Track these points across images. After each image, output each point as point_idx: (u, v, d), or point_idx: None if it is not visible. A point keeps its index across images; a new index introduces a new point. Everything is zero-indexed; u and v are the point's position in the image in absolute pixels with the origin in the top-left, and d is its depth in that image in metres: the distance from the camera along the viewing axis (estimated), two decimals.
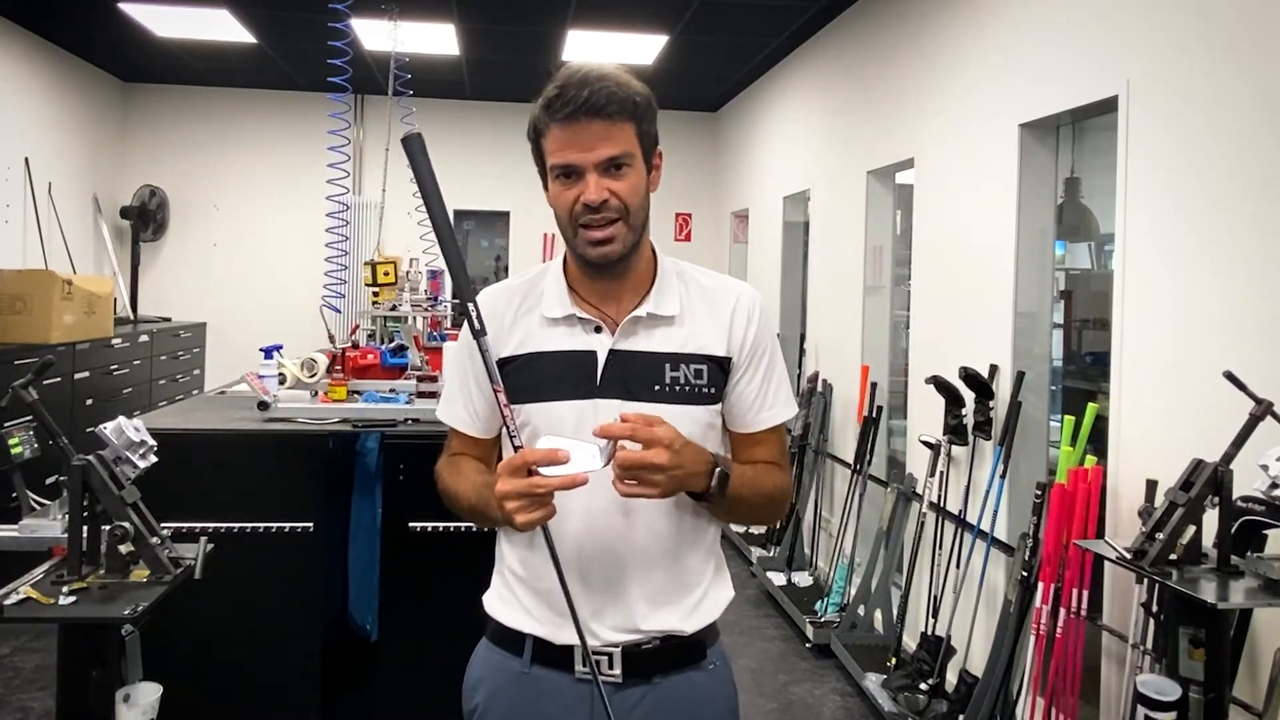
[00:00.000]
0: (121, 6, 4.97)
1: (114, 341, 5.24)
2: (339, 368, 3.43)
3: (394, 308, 3.73)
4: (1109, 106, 2.68)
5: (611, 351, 1.26)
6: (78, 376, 4.83)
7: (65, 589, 1.86)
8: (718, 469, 1.19)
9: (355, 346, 3.56)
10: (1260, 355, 2.09)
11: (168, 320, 6.56)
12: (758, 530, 5.21)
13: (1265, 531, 1.97)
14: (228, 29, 5.31)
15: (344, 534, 3.01)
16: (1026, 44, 3.07)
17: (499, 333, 1.31)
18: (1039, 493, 2.76)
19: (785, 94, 5.77)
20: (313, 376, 3.42)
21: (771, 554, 4.89)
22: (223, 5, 4.88)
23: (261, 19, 5.16)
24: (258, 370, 3.20)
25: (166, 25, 5.32)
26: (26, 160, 5.55)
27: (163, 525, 2.04)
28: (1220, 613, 1.86)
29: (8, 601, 1.81)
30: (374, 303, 3.80)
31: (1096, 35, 2.71)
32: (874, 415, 4.12)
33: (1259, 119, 2.13)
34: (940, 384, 3.32)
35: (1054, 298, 3.25)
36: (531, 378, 1.27)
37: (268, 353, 3.24)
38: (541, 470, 1.07)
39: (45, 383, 4.25)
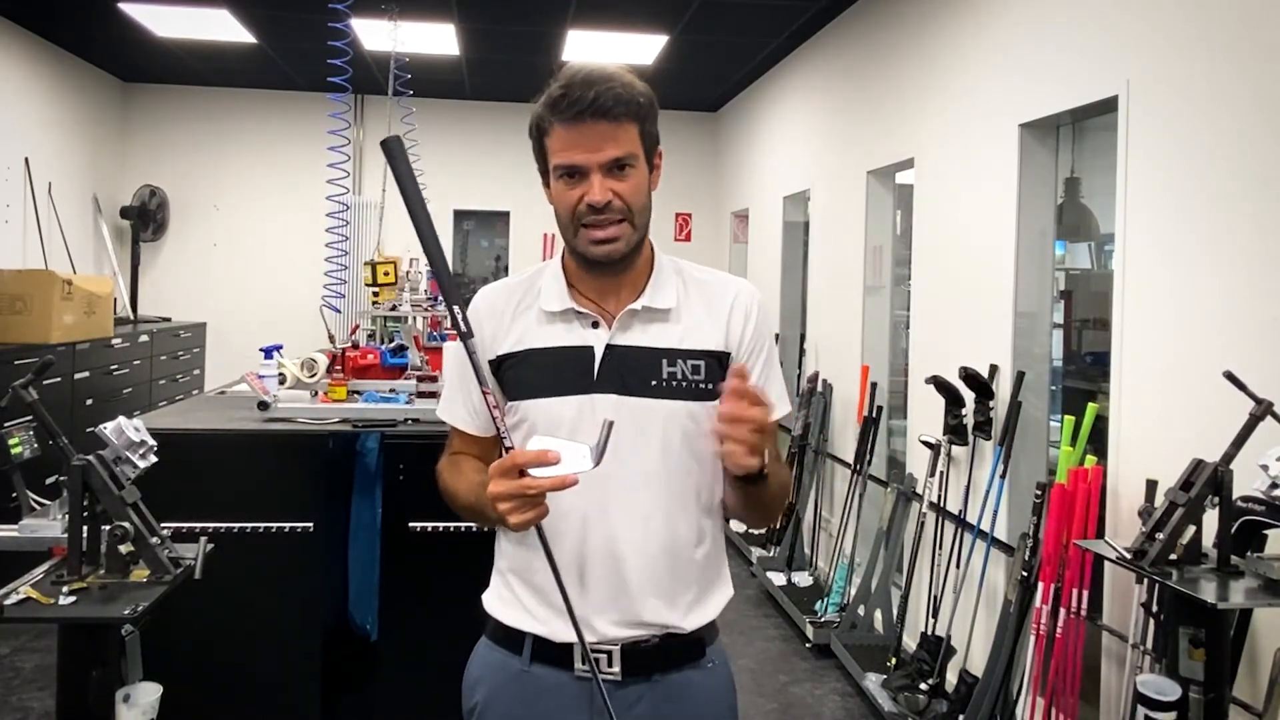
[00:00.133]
0: (121, 6, 4.97)
1: (114, 341, 5.24)
2: (339, 368, 3.43)
3: (394, 308, 3.73)
4: (1109, 106, 2.68)
5: (609, 347, 1.27)
6: (78, 376, 4.83)
7: (65, 589, 1.86)
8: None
9: (355, 346, 3.56)
10: (1260, 355, 2.09)
11: (168, 320, 6.56)
12: (758, 530, 5.21)
13: (1265, 531, 1.97)
14: (228, 29, 5.31)
15: (344, 534, 3.01)
16: (1026, 44, 3.07)
17: (498, 330, 1.31)
18: (1039, 493, 2.76)
19: (785, 94, 5.77)
20: (313, 376, 3.42)
21: (771, 554, 4.89)
22: (223, 5, 4.88)
23: (261, 19, 5.16)
24: (258, 370, 3.20)
25: (166, 25, 5.32)
26: (26, 160, 5.55)
27: (163, 525, 2.04)
28: (1220, 613, 1.86)
29: (8, 601, 1.81)
30: (374, 303, 3.80)
31: (1096, 35, 2.71)
32: (874, 415, 4.12)
33: (1259, 119, 2.13)
34: (940, 384, 3.32)
35: (1054, 298, 3.25)
36: (529, 374, 1.28)
37: (268, 353, 3.24)
38: (532, 471, 1.07)
39: (45, 383, 4.25)
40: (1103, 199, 4.04)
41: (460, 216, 7.42)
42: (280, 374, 3.28)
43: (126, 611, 1.79)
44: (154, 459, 2.09)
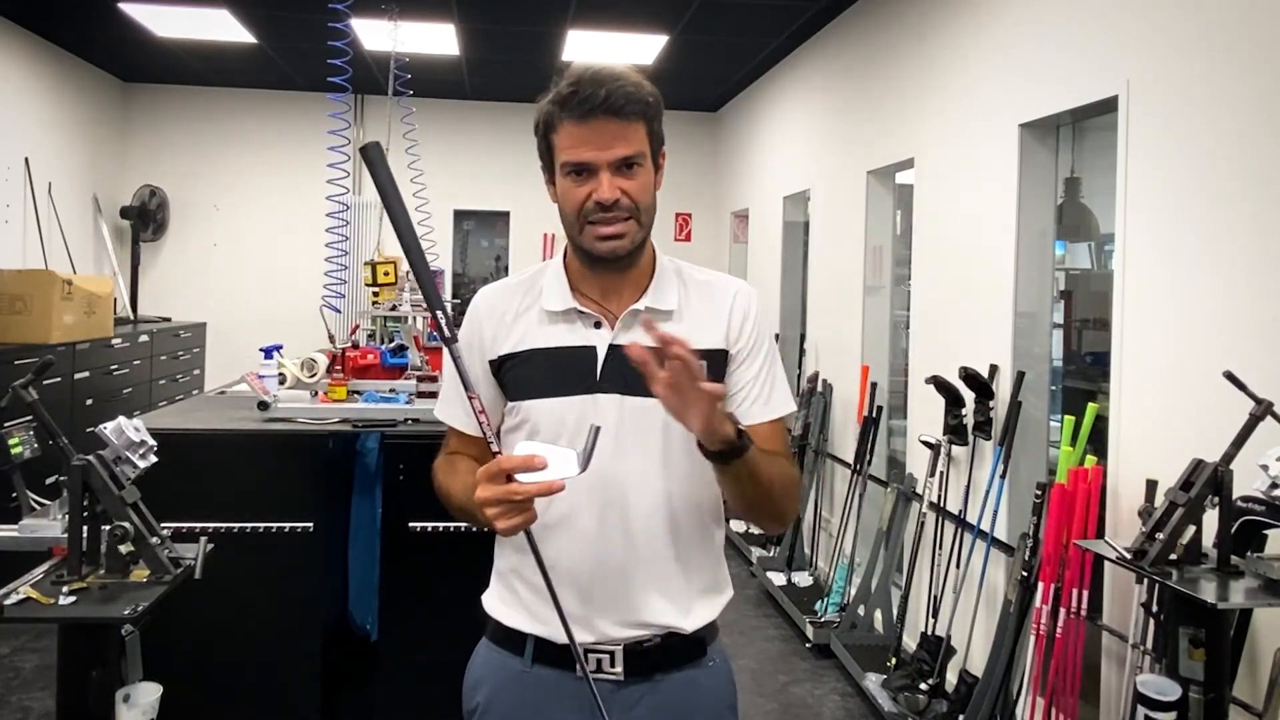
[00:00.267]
0: (121, 6, 4.97)
1: (114, 341, 5.24)
2: (339, 368, 3.43)
3: (394, 308, 3.73)
4: (1109, 106, 2.68)
5: (611, 347, 1.27)
6: (78, 376, 4.83)
7: (65, 589, 1.86)
8: (738, 421, 1.15)
9: (355, 346, 3.56)
10: (1260, 355, 2.09)
11: (168, 320, 6.56)
12: (758, 530, 5.21)
13: (1265, 531, 1.97)
14: (228, 29, 5.31)
15: (344, 534, 3.01)
16: (1026, 44, 3.07)
17: (499, 330, 1.31)
18: (1039, 493, 2.76)
19: (785, 94, 5.77)
20: (313, 376, 3.42)
21: (771, 554, 4.89)
22: (223, 5, 4.88)
23: (261, 19, 5.16)
24: (258, 370, 3.20)
25: (166, 25, 5.32)
26: (26, 160, 5.55)
27: (163, 525, 2.04)
28: (1220, 613, 1.86)
29: (8, 601, 1.81)
30: (374, 303, 3.80)
31: (1096, 35, 2.71)
32: (874, 415, 4.12)
33: (1259, 119, 2.13)
34: (940, 384, 3.32)
35: (1054, 298, 3.25)
36: (531, 374, 1.28)
37: (268, 353, 3.24)
38: (519, 476, 1.07)
39: (45, 383, 4.25)
40: (1103, 199, 4.04)
41: (460, 216, 7.41)
42: (280, 374, 3.28)
43: (126, 611, 1.79)
44: (154, 459, 2.08)
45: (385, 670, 2.86)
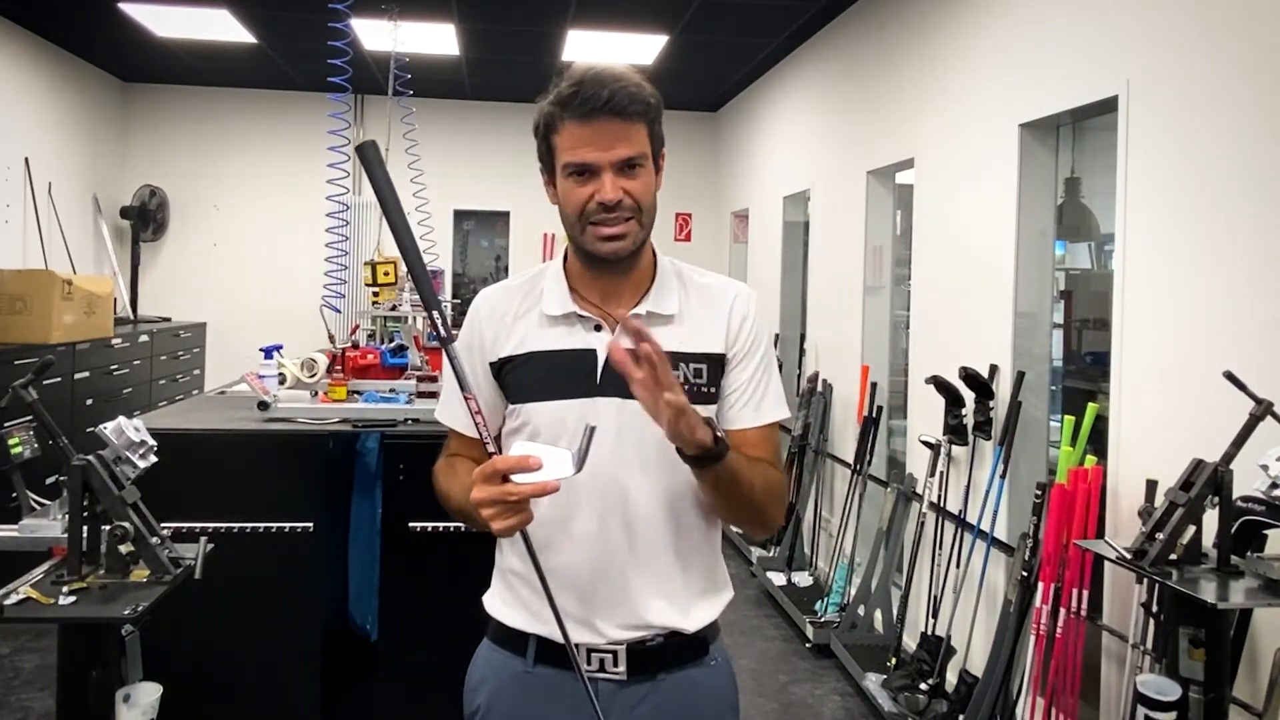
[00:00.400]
0: (121, 6, 4.97)
1: (114, 341, 5.24)
2: (339, 368, 3.43)
3: (394, 308, 3.73)
4: (1109, 106, 2.68)
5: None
6: (78, 376, 4.83)
7: (65, 589, 1.86)
8: (716, 428, 1.15)
9: (355, 346, 3.56)
10: (1260, 355, 2.09)
11: (168, 320, 6.56)
12: (755, 536, 5.20)
13: (1265, 531, 1.97)
14: (228, 29, 5.31)
15: (344, 534, 3.01)
16: (1026, 44, 3.07)
17: (500, 332, 1.31)
18: (1039, 493, 2.76)
19: (785, 94, 5.77)
20: (313, 376, 3.42)
21: (771, 554, 4.89)
22: (223, 5, 4.88)
23: (261, 19, 5.16)
24: (258, 370, 3.20)
25: (166, 25, 5.31)
26: (26, 160, 5.55)
27: (163, 525, 2.04)
28: (1220, 613, 1.86)
29: (8, 601, 1.81)
30: (374, 303, 3.80)
31: (1096, 35, 2.71)
32: (874, 415, 4.12)
33: (1259, 119, 2.13)
34: (940, 384, 3.32)
35: (1054, 298, 3.25)
36: (531, 377, 1.28)
37: (268, 353, 3.24)
38: (514, 477, 1.07)
39: (45, 383, 4.25)
40: (1103, 199, 4.04)
41: (460, 216, 7.41)
42: (280, 374, 3.28)
43: (126, 611, 1.79)
44: (154, 459, 2.08)
45: (385, 670, 2.86)
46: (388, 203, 1.16)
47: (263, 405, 2.99)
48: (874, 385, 4.18)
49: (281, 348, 3.30)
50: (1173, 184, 2.40)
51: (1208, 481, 1.90)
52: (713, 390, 1.28)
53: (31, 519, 2.05)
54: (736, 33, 5.21)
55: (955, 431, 3.32)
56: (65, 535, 1.95)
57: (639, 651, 1.26)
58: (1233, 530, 1.92)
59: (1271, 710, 1.94)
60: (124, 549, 1.92)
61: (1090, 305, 4.22)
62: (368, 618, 2.96)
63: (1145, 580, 2.26)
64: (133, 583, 1.91)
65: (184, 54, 6.00)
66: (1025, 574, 2.73)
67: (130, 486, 1.98)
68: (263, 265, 6.98)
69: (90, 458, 1.94)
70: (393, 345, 3.59)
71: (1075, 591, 2.54)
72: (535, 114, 1.25)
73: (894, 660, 3.47)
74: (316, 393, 3.26)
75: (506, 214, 7.34)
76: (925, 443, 3.49)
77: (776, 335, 5.59)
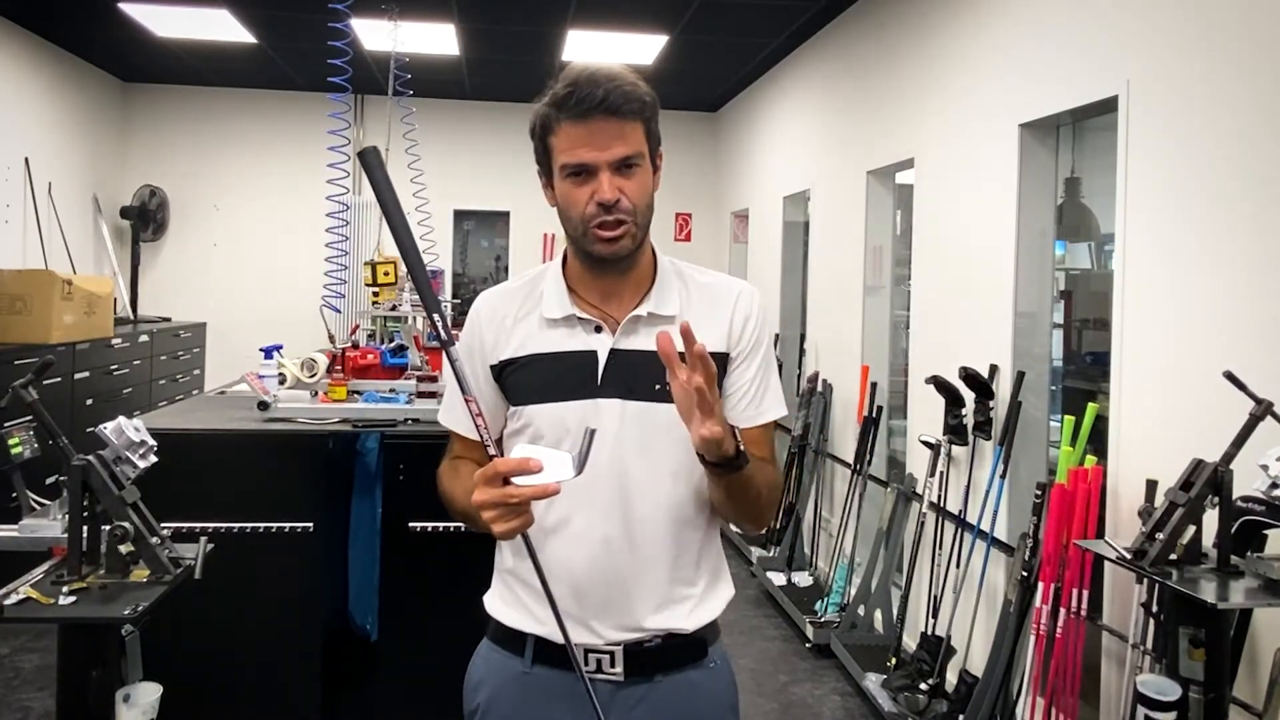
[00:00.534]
0: (121, 6, 4.97)
1: (114, 341, 5.24)
2: (339, 368, 3.43)
3: (394, 308, 3.73)
4: (1109, 106, 2.68)
5: (613, 351, 1.26)
6: (78, 376, 4.83)
7: (65, 589, 1.86)
8: (739, 438, 1.16)
9: (355, 346, 3.56)
10: (1260, 355, 2.09)
11: (168, 320, 6.56)
12: (752, 533, 5.20)
13: (1265, 531, 1.97)
14: (228, 29, 5.31)
15: (344, 534, 3.01)
16: (1026, 44, 3.07)
17: (500, 335, 1.31)
18: (1039, 493, 2.76)
19: (785, 94, 5.77)
20: (313, 376, 3.42)
21: (771, 554, 4.89)
22: (223, 5, 4.88)
23: (261, 19, 5.16)
24: (258, 370, 3.20)
25: (166, 25, 5.31)
26: (26, 160, 5.55)
27: (163, 525, 2.04)
28: (1220, 613, 1.86)
29: (8, 601, 1.81)
30: (374, 303, 3.80)
31: (1096, 35, 2.71)
32: (874, 415, 4.12)
33: (1259, 119, 2.13)
34: (940, 384, 3.32)
35: (1054, 298, 3.25)
36: (532, 379, 1.27)
37: (268, 353, 3.24)
38: (515, 480, 1.07)
39: (45, 383, 4.25)
40: (1103, 199, 4.04)
41: (460, 216, 7.41)
42: (280, 374, 3.28)
43: (126, 611, 1.79)
44: (154, 459, 2.08)
45: (385, 670, 2.86)
46: (389, 208, 1.16)
47: (263, 405, 2.99)
48: (874, 385, 4.18)
49: (281, 348, 3.30)
50: (1173, 184, 2.40)
51: (1208, 481, 1.90)
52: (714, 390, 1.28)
53: (31, 519, 2.05)
54: (736, 33, 5.21)
55: (955, 431, 3.32)
56: (65, 535, 1.95)
57: (636, 653, 1.26)
58: (1233, 530, 1.92)
59: (1271, 710, 1.94)
60: (124, 549, 1.92)
61: (1090, 305, 4.21)
62: (368, 618, 2.96)
63: (1145, 580, 2.26)
64: (133, 583, 1.91)
65: (184, 54, 6.00)
66: (1025, 574, 2.73)
67: (130, 486, 1.98)
68: (263, 265, 6.98)
69: (90, 458, 1.94)
70: (393, 345, 3.59)
71: (1075, 591, 2.54)
72: (531, 117, 1.25)
73: (894, 660, 3.47)
74: (316, 393, 3.27)
75: (506, 214, 7.34)
76: (925, 443, 3.49)
77: (777, 335, 5.59)
